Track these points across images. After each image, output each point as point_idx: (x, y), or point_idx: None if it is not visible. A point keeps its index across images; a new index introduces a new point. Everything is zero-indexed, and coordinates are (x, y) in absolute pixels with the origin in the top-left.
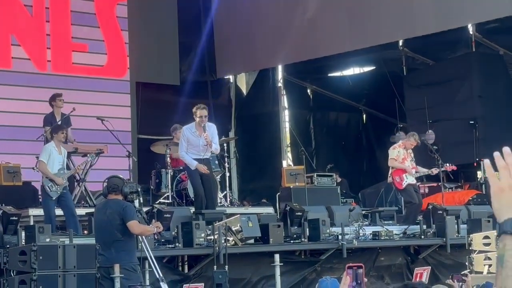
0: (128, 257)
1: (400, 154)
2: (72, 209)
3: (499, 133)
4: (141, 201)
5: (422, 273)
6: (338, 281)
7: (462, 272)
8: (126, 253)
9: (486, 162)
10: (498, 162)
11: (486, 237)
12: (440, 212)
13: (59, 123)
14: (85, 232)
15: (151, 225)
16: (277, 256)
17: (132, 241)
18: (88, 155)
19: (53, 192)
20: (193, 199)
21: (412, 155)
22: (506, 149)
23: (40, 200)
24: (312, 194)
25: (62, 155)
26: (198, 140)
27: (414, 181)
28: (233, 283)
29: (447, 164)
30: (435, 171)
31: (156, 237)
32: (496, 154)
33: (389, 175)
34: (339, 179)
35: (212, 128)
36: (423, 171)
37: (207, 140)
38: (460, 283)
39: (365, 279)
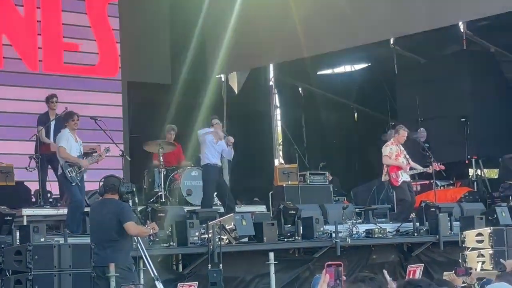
0: (123, 257)
1: (393, 151)
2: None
3: (490, 131)
4: (136, 201)
5: (415, 271)
6: None
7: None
8: (121, 253)
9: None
10: None
11: (479, 234)
12: (433, 209)
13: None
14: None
15: (147, 226)
16: (271, 254)
17: (128, 241)
18: (100, 151)
19: (73, 177)
20: (185, 198)
21: (405, 152)
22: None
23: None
24: (305, 192)
25: (78, 143)
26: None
27: (409, 179)
28: (227, 281)
29: (437, 163)
30: (431, 168)
31: (151, 238)
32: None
33: (384, 173)
34: (330, 177)
35: None
36: (419, 168)
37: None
38: (465, 277)
39: (344, 277)
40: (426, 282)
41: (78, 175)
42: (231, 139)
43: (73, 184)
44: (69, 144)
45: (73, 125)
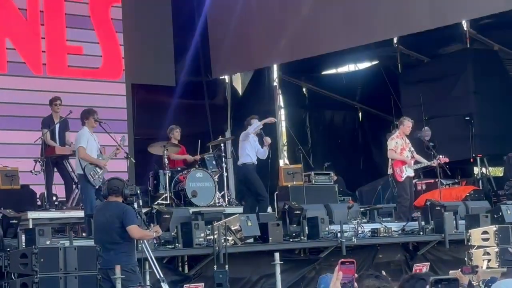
0: (127, 259)
1: (398, 145)
2: None
3: (495, 129)
4: (141, 203)
5: (421, 269)
6: None
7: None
8: (125, 255)
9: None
10: None
11: (485, 232)
12: (438, 208)
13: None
14: (84, 234)
15: (150, 229)
16: (277, 255)
17: (132, 243)
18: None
19: (96, 180)
20: (191, 200)
21: (410, 145)
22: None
23: (79, 191)
24: (310, 192)
25: (96, 141)
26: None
27: (413, 174)
28: (233, 282)
29: (441, 156)
30: (435, 162)
31: (155, 241)
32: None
33: (389, 166)
34: (335, 177)
35: None
36: (424, 162)
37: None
38: (472, 275)
39: (356, 275)
40: (430, 275)
41: (100, 177)
42: (268, 140)
43: (96, 187)
44: (90, 144)
45: (93, 123)
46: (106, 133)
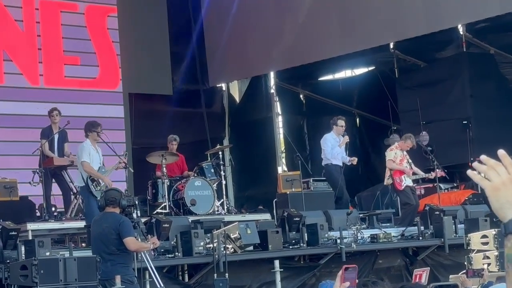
0: (124, 270)
1: (397, 156)
2: None
3: (492, 132)
4: (139, 214)
5: (421, 274)
6: None
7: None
8: (122, 266)
9: (470, 172)
10: (480, 168)
11: (484, 236)
12: (437, 212)
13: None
14: (83, 245)
15: (147, 241)
16: (276, 262)
17: (129, 254)
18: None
19: (97, 192)
20: (190, 208)
21: (408, 157)
22: (500, 151)
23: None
24: (309, 199)
25: (99, 154)
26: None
27: (412, 184)
28: None
29: (438, 170)
30: (433, 174)
31: (153, 252)
32: (483, 156)
33: (387, 177)
34: None
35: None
36: (421, 174)
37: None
38: (478, 278)
39: (356, 280)
40: (421, 286)
41: (102, 188)
42: (347, 139)
43: (98, 199)
44: (91, 157)
45: (96, 136)
46: (104, 143)
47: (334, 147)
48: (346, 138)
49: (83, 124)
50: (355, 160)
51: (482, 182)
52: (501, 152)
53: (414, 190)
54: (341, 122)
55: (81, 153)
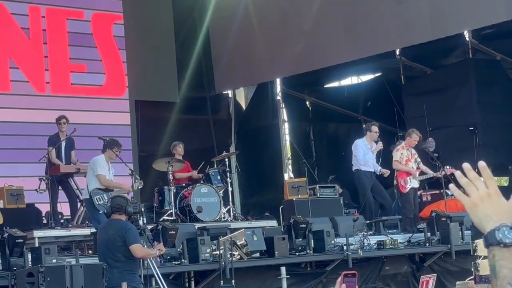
0: (131, 277)
1: (403, 156)
2: None
3: (499, 139)
4: (145, 221)
5: (428, 281)
6: None
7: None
8: (128, 273)
9: (452, 186)
10: (461, 180)
11: None
12: (444, 219)
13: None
14: (90, 252)
15: (153, 248)
16: (283, 269)
17: (135, 261)
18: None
19: (100, 206)
20: (196, 215)
21: (416, 155)
22: (465, 165)
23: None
24: (315, 205)
25: (110, 172)
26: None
27: (417, 185)
28: None
29: (447, 167)
30: (442, 173)
31: (159, 259)
32: (458, 173)
33: (395, 177)
34: (340, 190)
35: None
36: (430, 173)
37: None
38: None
39: (356, 287)
40: None
41: (105, 204)
42: (381, 145)
43: (101, 213)
44: (103, 172)
45: (113, 156)
46: (126, 166)
47: (367, 153)
48: (380, 145)
49: (90, 131)
50: (387, 173)
51: (461, 198)
52: (481, 164)
53: (416, 194)
54: (375, 128)
55: (96, 166)
